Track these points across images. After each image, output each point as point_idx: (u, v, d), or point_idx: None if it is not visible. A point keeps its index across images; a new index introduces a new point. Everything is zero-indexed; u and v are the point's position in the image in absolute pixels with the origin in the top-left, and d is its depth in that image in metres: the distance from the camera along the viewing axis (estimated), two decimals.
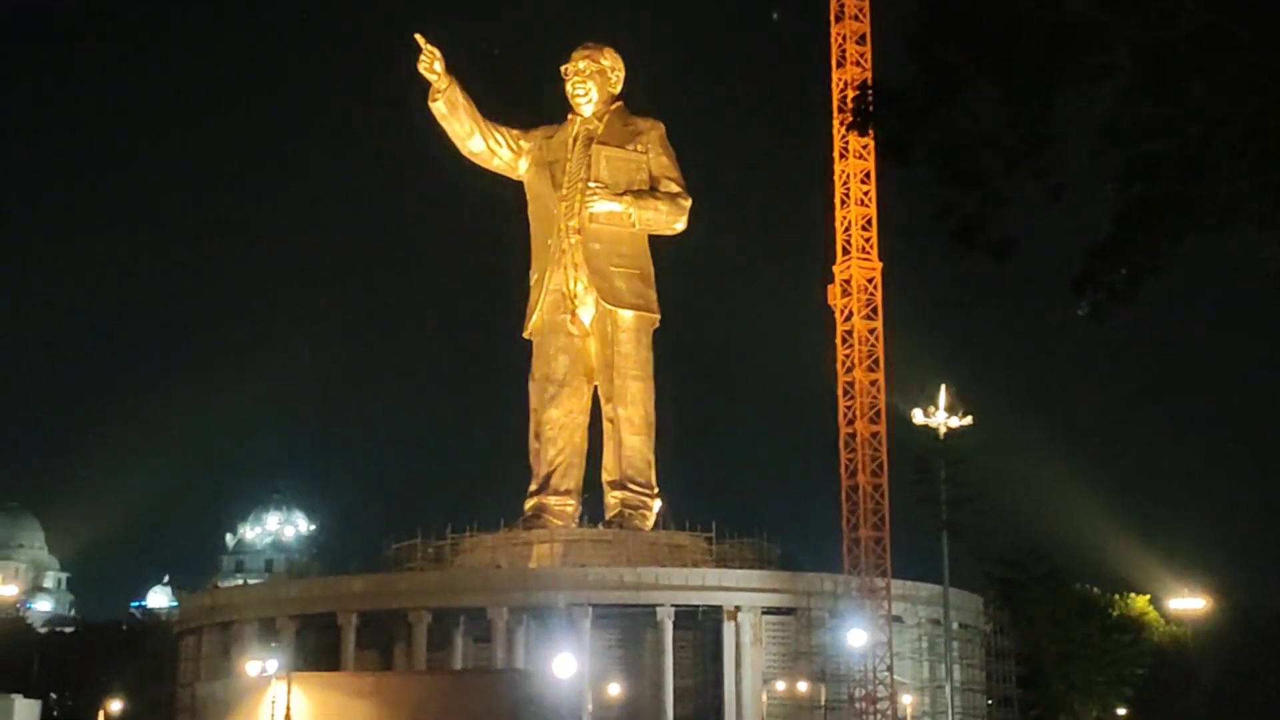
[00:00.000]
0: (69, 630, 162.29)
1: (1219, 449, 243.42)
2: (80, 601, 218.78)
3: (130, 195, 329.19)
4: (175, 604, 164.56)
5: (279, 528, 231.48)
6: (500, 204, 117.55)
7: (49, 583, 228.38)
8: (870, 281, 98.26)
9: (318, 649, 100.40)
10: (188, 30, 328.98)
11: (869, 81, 24.58)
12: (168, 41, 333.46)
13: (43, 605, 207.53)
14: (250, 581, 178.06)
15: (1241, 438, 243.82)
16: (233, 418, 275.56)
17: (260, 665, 76.63)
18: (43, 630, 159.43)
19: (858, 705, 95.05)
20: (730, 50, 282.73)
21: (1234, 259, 24.50)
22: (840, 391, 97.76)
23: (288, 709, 47.11)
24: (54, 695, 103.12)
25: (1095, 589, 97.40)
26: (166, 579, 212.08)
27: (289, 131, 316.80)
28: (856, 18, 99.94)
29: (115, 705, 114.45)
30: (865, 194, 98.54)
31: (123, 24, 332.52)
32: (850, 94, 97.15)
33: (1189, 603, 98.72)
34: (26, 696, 64.62)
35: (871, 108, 22.11)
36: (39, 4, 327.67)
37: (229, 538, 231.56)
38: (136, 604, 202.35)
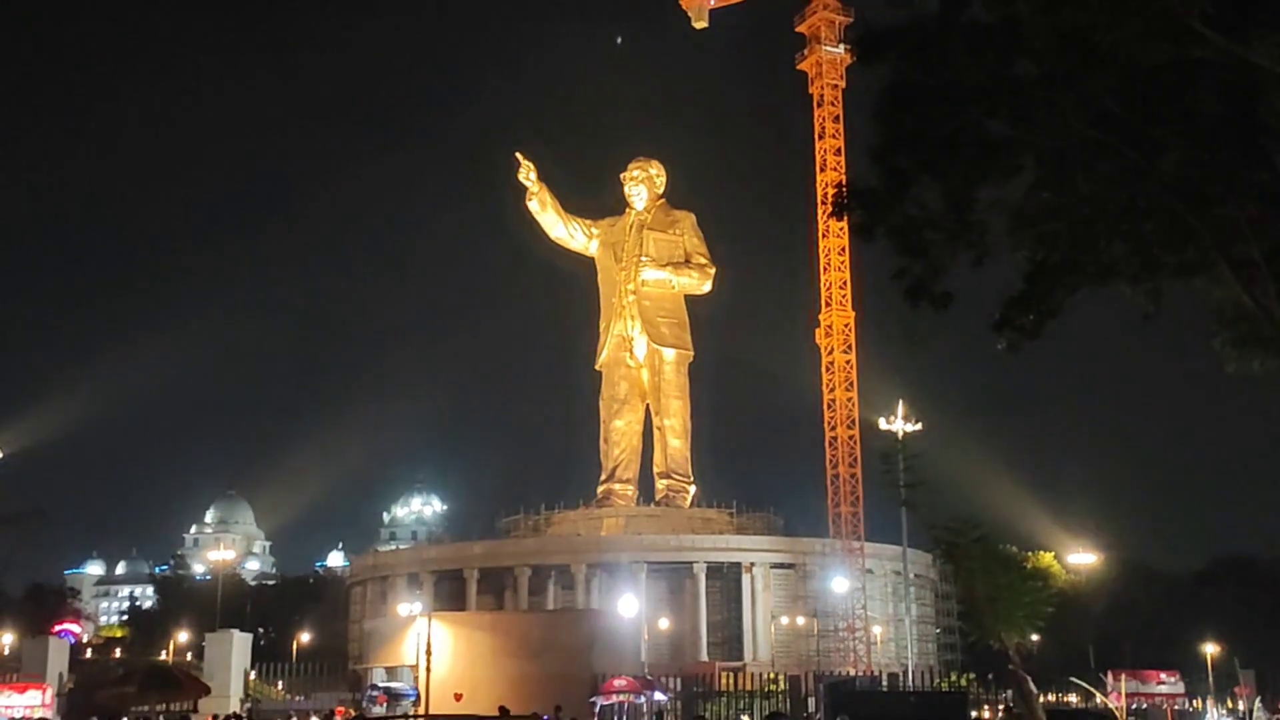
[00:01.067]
0: (270, 583, 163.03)
1: (1106, 440, 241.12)
2: (279, 562, 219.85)
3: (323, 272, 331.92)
4: (347, 563, 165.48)
5: (421, 507, 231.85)
6: (574, 277, 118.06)
7: (256, 549, 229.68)
8: (846, 326, 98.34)
9: (449, 596, 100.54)
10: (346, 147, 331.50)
11: (844, 182, 24.51)
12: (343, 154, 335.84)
13: (252, 565, 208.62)
14: (400, 547, 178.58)
15: (1124, 432, 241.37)
16: (389, 425, 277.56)
17: (409, 608, 76.59)
18: (252, 584, 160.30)
19: (841, 634, 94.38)
20: (745, 160, 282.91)
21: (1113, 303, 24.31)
22: (825, 406, 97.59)
23: (429, 640, 47.04)
24: (261, 630, 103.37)
25: (1014, 548, 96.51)
26: (340, 544, 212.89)
27: (427, 215, 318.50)
28: (834, 136, 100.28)
29: (305, 637, 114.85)
30: (841, 263, 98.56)
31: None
32: (830, 192, 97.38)
33: (1084, 557, 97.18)
34: (241, 632, 64.83)
35: (846, 201, 22.07)
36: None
37: (385, 515, 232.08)
38: (319, 564, 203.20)
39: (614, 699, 49.57)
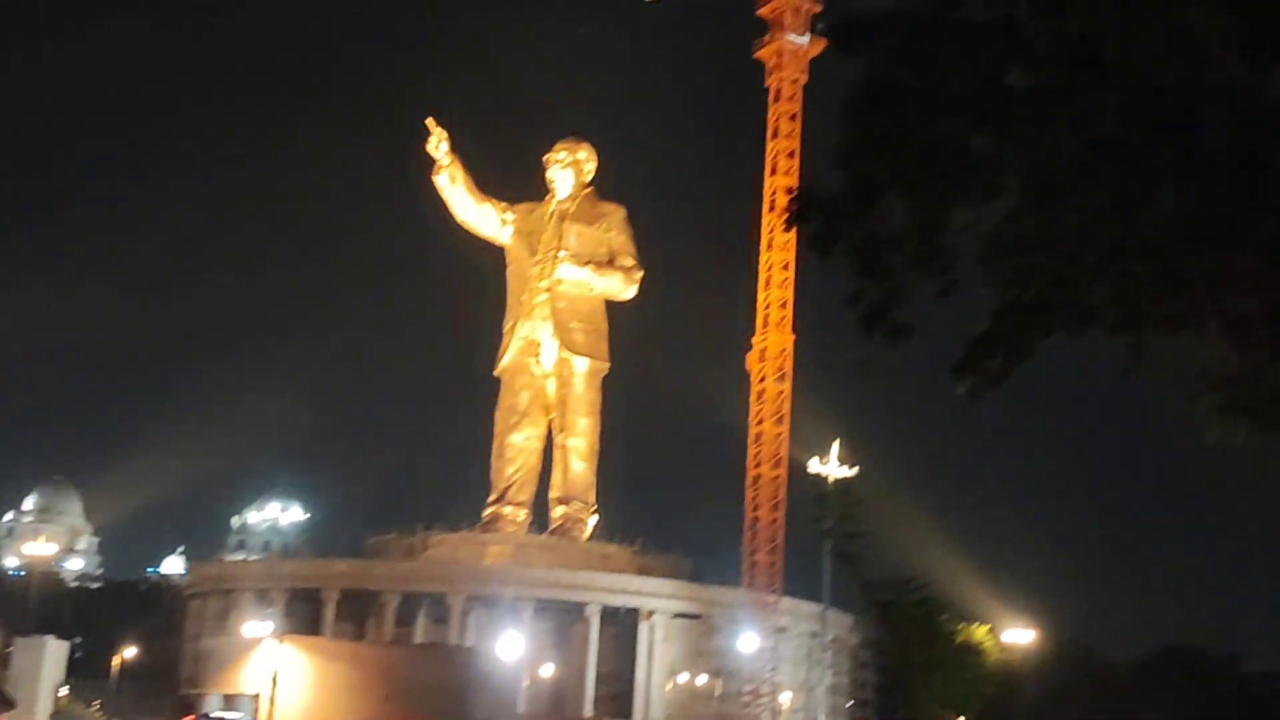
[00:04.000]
0: (95, 586, 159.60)
1: (1056, 504, 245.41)
2: (107, 562, 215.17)
3: (178, 250, 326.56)
4: (186, 571, 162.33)
5: (278, 515, 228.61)
6: (480, 265, 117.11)
7: (82, 545, 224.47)
8: (783, 351, 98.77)
9: (303, 619, 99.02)
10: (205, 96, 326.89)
11: (802, 189, 24.42)
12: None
13: (74, 563, 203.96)
14: (251, 558, 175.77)
15: (1078, 496, 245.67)
16: (247, 418, 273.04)
17: (256, 628, 75.33)
18: (73, 584, 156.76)
19: (744, 698, 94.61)
20: (688, 155, 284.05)
21: (1084, 356, 24.43)
22: (751, 439, 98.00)
23: (277, 667, 46.19)
24: (79, 639, 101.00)
25: (947, 616, 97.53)
26: (181, 549, 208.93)
27: (316, 188, 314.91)
28: (789, 136, 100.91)
29: (130, 652, 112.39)
30: (784, 280, 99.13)
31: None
32: (781, 198, 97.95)
33: (1020, 634, 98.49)
34: (57, 639, 63.21)
35: (803, 210, 21.92)
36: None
37: (235, 519, 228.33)
38: (153, 569, 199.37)
39: None
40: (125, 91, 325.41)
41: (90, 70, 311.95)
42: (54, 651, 59.77)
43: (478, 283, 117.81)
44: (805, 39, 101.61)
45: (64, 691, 66.51)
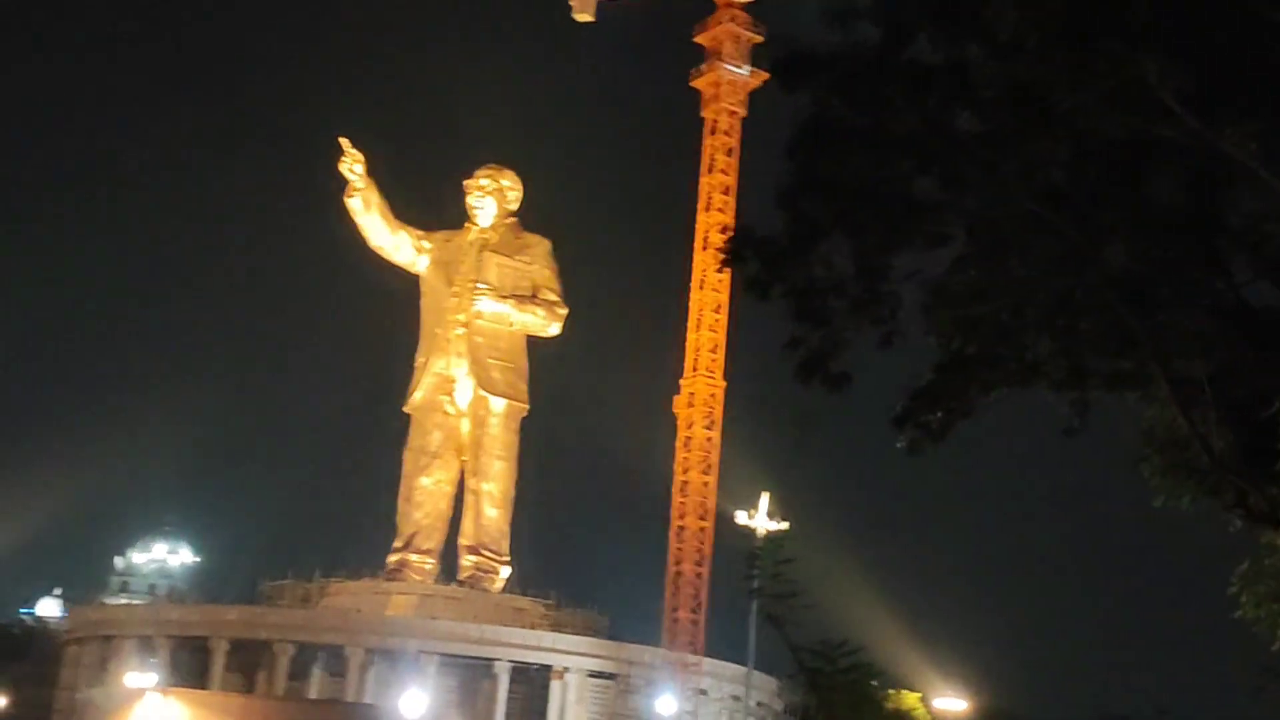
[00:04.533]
0: None
1: (989, 568, 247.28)
2: None
3: (58, 254, 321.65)
4: (64, 614, 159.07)
5: (165, 556, 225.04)
6: (392, 294, 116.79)
7: None
8: (712, 396, 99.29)
9: (189, 669, 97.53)
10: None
11: (740, 227, 24.74)
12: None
13: None
14: (134, 601, 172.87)
15: (1012, 560, 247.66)
16: (132, 451, 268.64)
17: (138, 678, 74.25)
18: None
19: None
20: (617, 187, 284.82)
21: (1027, 414, 24.91)
22: (676, 489, 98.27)
23: None
24: None
25: (877, 684, 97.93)
26: (57, 590, 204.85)
27: (212, 204, 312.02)
28: (725, 172, 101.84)
29: (0, 701, 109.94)
30: (716, 321, 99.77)
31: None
32: (715, 236, 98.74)
33: (952, 702, 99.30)
34: None
35: (740, 250, 22.21)
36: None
37: (118, 560, 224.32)
38: (25, 610, 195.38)
39: None
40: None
41: None
42: None
43: (388, 311, 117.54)
44: (745, 70, 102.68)
45: None
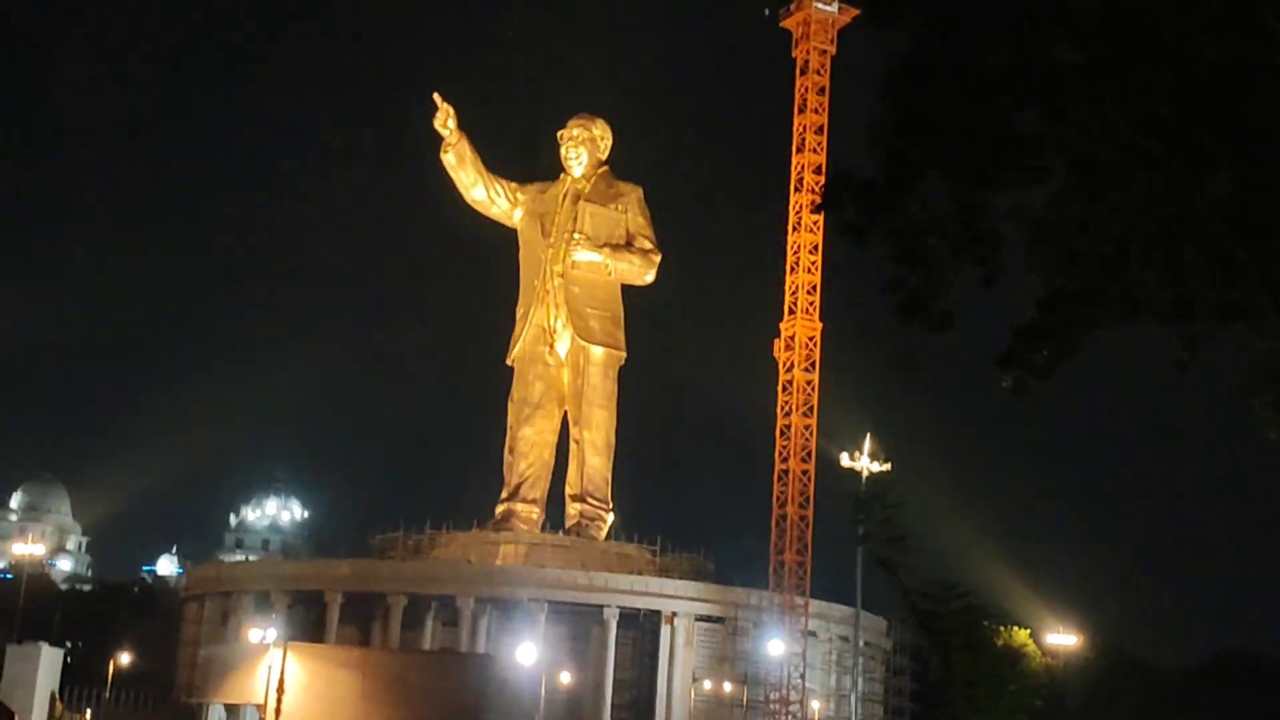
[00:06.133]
0: (85, 588, 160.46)
1: (1101, 505, 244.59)
2: (97, 563, 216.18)
3: (171, 225, 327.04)
4: (181, 571, 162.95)
5: (277, 512, 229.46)
6: (493, 246, 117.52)
7: (71, 545, 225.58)
8: (811, 339, 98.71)
9: (305, 622, 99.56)
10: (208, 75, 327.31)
11: (835, 172, 24.48)
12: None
13: (64, 564, 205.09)
14: (249, 558, 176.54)
15: (1123, 497, 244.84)
16: (244, 411, 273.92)
17: (260, 633, 75.86)
18: (63, 586, 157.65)
19: (772, 706, 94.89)
20: (706, 127, 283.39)
21: (1135, 350, 24.56)
22: (778, 432, 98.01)
23: (281, 674, 46.57)
24: (70, 645, 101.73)
25: (989, 624, 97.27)
26: (175, 549, 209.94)
27: (314, 173, 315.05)
28: (816, 111, 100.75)
29: (125, 658, 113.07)
30: (812, 263, 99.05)
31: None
32: (809, 176, 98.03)
33: (1064, 638, 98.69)
34: (51, 646, 63.95)
35: (837, 194, 22.02)
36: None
37: (232, 517, 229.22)
38: (147, 569, 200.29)
39: None
40: (135, 73, 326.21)
41: (112, 52, 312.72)
42: (49, 659, 60.45)
43: (489, 266, 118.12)
44: (834, 7, 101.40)
45: (59, 701, 67.11)
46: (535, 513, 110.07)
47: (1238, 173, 19.85)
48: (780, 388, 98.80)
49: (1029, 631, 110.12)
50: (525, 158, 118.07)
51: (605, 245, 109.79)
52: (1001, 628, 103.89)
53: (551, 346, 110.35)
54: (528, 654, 77.96)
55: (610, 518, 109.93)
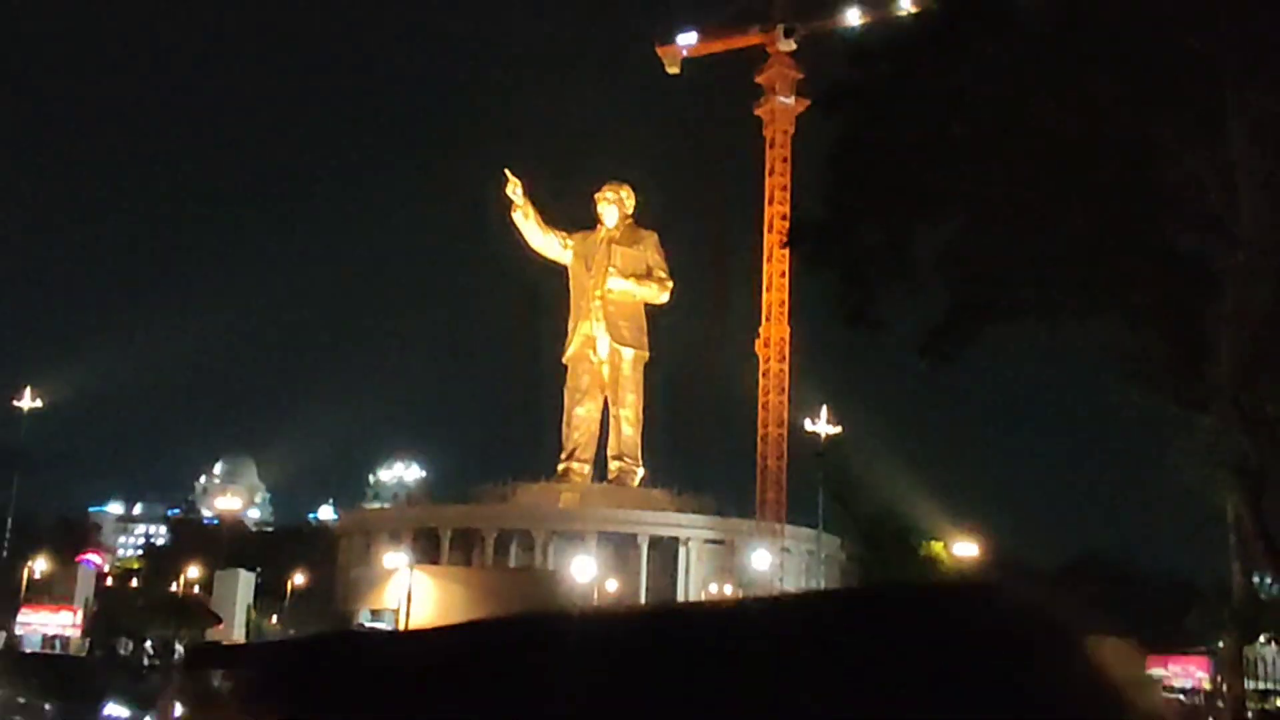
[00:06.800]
0: (269, 530, 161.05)
1: (998, 443, 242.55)
2: (277, 512, 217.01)
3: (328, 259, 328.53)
4: (336, 517, 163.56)
5: (403, 472, 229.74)
6: (543, 279, 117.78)
7: (258, 499, 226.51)
8: (782, 339, 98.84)
9: (424, 551, 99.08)
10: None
11: (795, 218, 24.53)
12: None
13: (253, 514, 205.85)
14: (384, 506, 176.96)
15: (1012, 445, 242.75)
16: (380, 398, 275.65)
17: (395, 559, 76.03)
18: (253, 530, 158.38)
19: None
20: (704, 190, 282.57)
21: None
22: (760, 407, 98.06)
23: (410, 588, 46.79)
24: (259, 570, 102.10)
25: (914, 538, 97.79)
26: (331, 500, 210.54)
27: (420, 225, 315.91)
28: (782, 174, 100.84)
29: (298, 579, 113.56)
30: (781, 284, 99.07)
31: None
32: (778, 223, 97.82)
33: (967, 548, 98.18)
34: (246, 571, 64.33)
35: (797, 235, 22.08)
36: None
37: (370, 477, 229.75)
38: (312, 515, 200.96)
39: None
40: (276, 105, 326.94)
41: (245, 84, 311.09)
42: (244, 581, 60.82)
43: (540, 295, 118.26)
44: (791, 100, 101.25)
45: (253, 611, 67.48)
46: (586, 469, 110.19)
47: (1090, 214, 19.84)
48: (761, 374, 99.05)
49: (943, 544, 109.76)
50: (565, 213, 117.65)
51: (632, 276, 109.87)
52: (923, 542, 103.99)
53: (595, 349, 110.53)
54: (583, 570, 77.96)
55: (641, 471, 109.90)
